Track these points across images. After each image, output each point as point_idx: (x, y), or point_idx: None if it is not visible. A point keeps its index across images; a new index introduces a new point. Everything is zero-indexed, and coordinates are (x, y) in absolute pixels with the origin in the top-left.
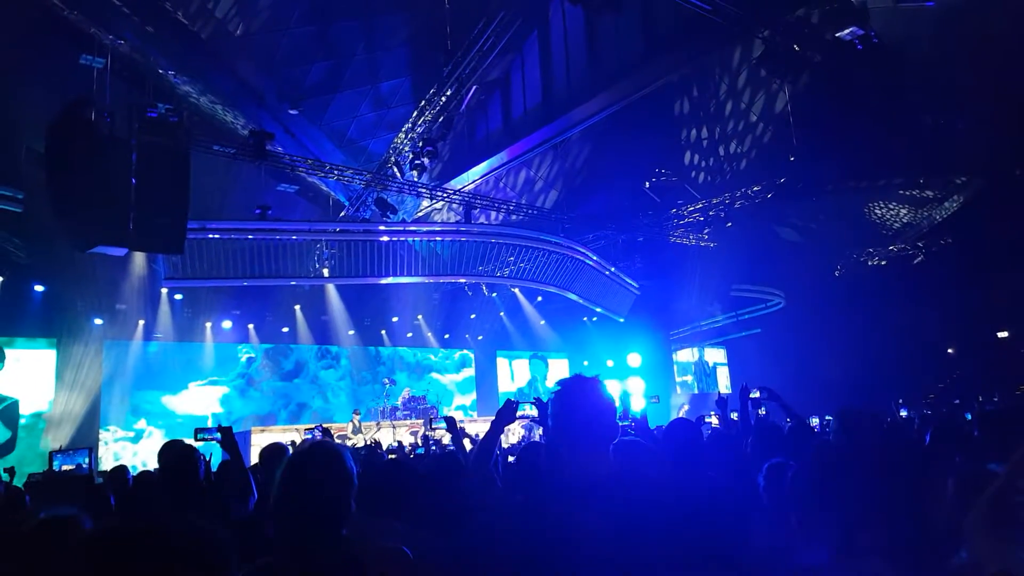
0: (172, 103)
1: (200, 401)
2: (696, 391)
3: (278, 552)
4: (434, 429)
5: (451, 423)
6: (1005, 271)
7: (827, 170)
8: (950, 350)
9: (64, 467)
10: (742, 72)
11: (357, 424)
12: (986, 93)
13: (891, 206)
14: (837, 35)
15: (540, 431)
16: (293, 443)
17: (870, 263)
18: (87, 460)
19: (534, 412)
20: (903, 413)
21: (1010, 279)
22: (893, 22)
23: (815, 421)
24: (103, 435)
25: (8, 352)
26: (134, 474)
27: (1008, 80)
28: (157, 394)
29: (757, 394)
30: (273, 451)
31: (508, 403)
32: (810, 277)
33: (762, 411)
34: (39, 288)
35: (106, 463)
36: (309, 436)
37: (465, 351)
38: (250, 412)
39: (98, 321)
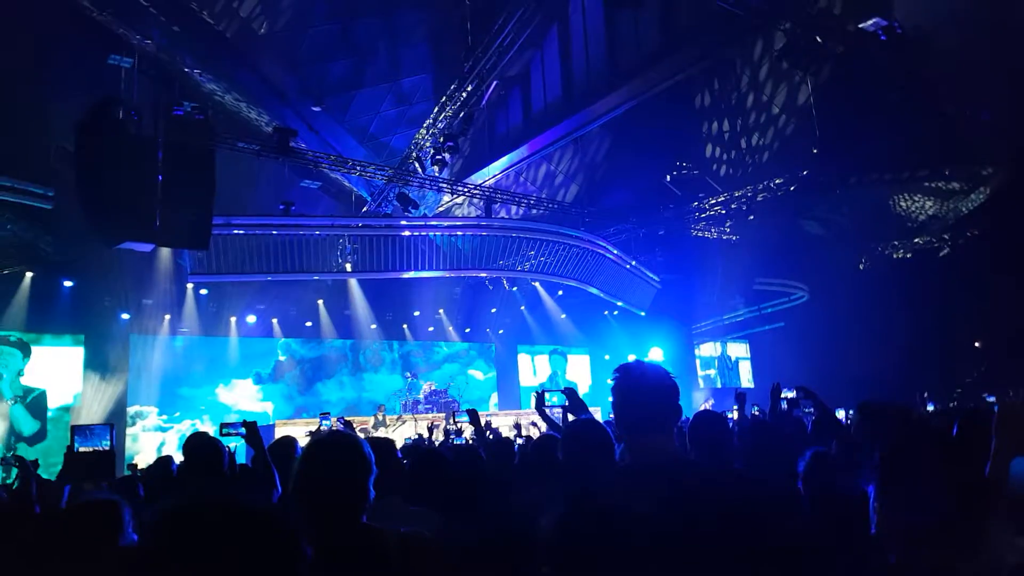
0: (198, 101)
1: (240, 396)
2: (719, 386)
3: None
4: (456, 423)
5: (473, 415)
6: None
7: (850, 162)
8: (977, 343)
9: (82, 448)
10: (764, 64)
11: (381, 418)
12: (1011, 81)
13: (916, 198)
14: (860, 26)
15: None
16: (311, 434)
17: (895, 256)
18: (108, 438)
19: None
20: (930, 408)
21: None
22: (916, 11)
23: (840, 414)
24: (132, 429)
25: (36, 347)
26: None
27: None
28: (197, 389)
29: (792, 394)
30: (282, 444)
31: (572, 392)
32: (834, 270)
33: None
34: (68, 284)
35: (139, 457)
36: (327, 427)
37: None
38: (295, 407)
39: (125, 316)
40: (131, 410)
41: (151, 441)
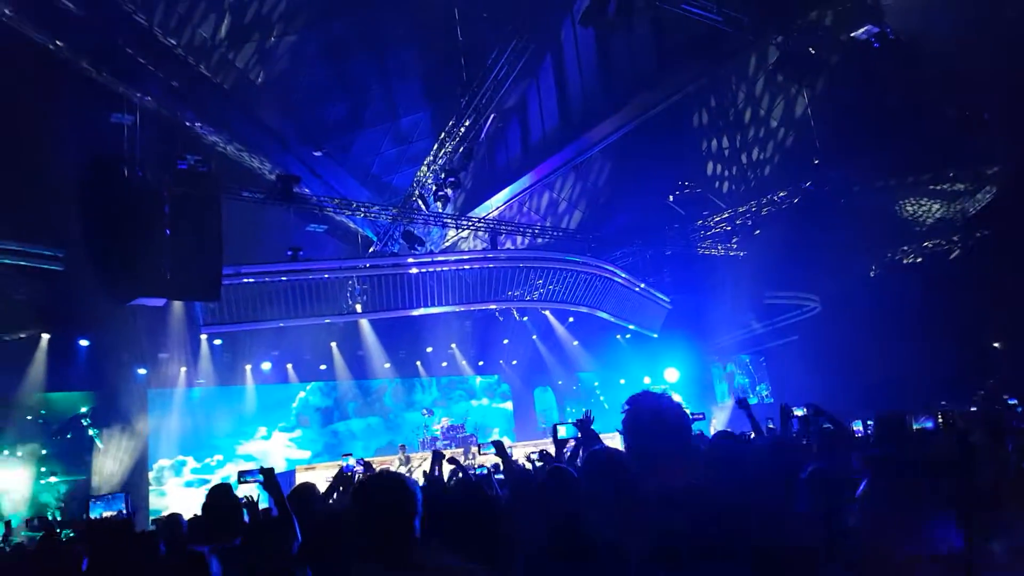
0: (200, 153)
1: (273, 445)
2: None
3: None
4: (475, 456)
5: (500, 447)
6: None
7: (853, 170)
8: (996, 344)
9: (105, 513)
10: (759, 79)
11: (404, 456)
12: (1008, 79)
13: (922, 202)
14: (853, 35)
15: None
16: (328, 480)
17: (905, 261)
18: (124, 506)
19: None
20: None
21: None
22: (908, 16)
23: (859, 426)
24: (164, 486)
25: None
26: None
27: None
28: (223, 439)
29: (802, 412)
30: (301, 491)
31: (583, 424)
32: (845, 280)
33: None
34: (84, 343)
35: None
36: (348, 470)
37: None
38: (323, 450)
39: (142, 371)
40: (162, 463)
41: (190, 497)
